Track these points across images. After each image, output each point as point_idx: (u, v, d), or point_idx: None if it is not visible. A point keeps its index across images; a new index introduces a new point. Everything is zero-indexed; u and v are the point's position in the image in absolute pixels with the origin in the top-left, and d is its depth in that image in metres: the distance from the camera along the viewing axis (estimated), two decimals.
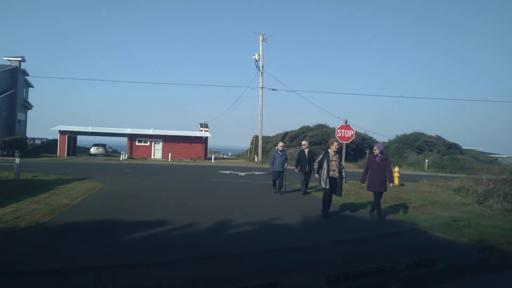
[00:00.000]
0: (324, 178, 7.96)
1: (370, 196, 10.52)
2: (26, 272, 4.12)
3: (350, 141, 17.26)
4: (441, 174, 25.95)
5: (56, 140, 35.17)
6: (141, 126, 53.34)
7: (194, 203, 9.68)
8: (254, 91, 42.36)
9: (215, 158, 36.90)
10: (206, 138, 37.92)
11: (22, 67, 37.75)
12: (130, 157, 34.05)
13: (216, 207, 9.20)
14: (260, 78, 34.12)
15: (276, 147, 12.38)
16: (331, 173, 7.99)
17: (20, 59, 37.10)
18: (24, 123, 40.50)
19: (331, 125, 37.57)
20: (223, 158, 42.26)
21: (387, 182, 8.19)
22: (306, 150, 12.15)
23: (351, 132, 16.18)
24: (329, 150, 8.23)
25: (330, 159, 8.07)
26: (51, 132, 36.47)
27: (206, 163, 31.89)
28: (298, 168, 12.15)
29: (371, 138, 37.89)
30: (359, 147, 35.49)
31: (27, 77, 39.65)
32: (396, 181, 14.07)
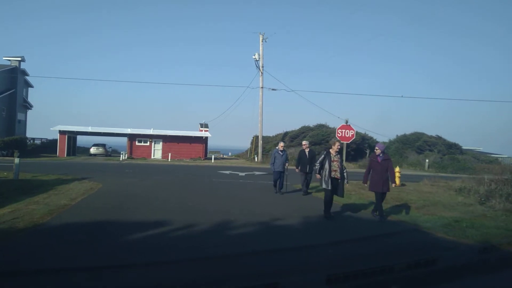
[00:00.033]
0: (326, 179, 7.88)
1: (371, 196, 10.47)
2: (22, 272, 4.08)
3: (350, 141, 17.20)
4: (442, 174, 25.88)
5: (56, 140, 35.11)
6: (141, 126, 53.36)
7: (194, 203, 9.63)
8: (254, 91, 42.30)
9: (215, 158, 36.85)
10: (206, 138, 37.87)
11: (22, 67, 37.72)
12: (130, 157, 34.00)
13: (216, 207, 9.16)
14: (260, 78, 34.08)
15: (277, 147, 12.31)
16: (332, 173, 7.91)
17: (20, 59, 37.07)
18: (24, 123, 40.46)
19: (331, 125, 37.57)
20: (223, 158, 42.20)
21: (390, 183, 8.11)
22: (307, 150, 12.09)
23: (351, 132, 16.13)
24: (330, 150, 8.15)
25: (332, 159, 7.99)
26: (51, 132, 36.48)
27: (206, 163, 31.84)
28: (299, 168, 12.08)
29: (371, 138, 37.84)
30: (359, 147, 35.45)
31: (27, 77, 39.59)
32: (397, 181, 14.00)
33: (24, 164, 16.31)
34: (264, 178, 17.73)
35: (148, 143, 35.93)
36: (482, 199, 10.20)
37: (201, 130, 39.26)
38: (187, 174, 19.17)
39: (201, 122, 40.33)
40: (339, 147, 8.16)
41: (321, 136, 34.71)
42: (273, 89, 35.29)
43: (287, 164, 12.07)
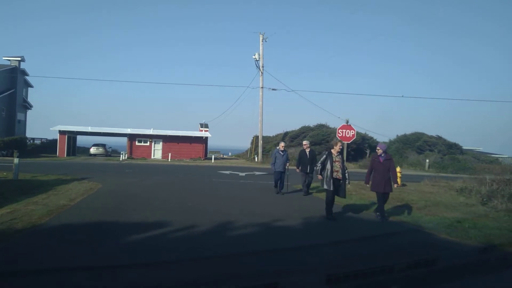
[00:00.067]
0: (328, 180, 7.81)
1: (372, 196, 10.41)
2: (20, 273, 4.04)
3: (351, 141, 17.16)
4: (442, 174, 25.84)
5: (56, 140, 35.07)
6: (141, 126, 53.36)
7: (194, 203, 9.60)
8: (254, 91, 42.23)
9: (215, 158, 36.80)
10: (206, 138, 37.83)
11: (21, 67, 37.66)
12: (130, 157, 33.95)
13: (216, 207, 9.13)
14: (260, 78, 34.03)
15: (278, 147, 12.24)
16: (334, 174, 7.84)
17: (19, 59, 37.00)
18: (23, 123, 40.39)
19: (331, 125, 37.53)
20: (223, 158, 42.16)
21: (392, 183, 8.04)
22: (307, 150, 12.02)
23: (352, 132, 16.08)
24: (332, 150, 8.08)
25: (334, 159, 7.92)
26: (51, 132, 36.46)
27: (206, 163, 31.79)
28: (299, 168, 12.02)
29: (371, 138, 37.78)
30: (359, 147, 35.41)
31: (26, 77, 39.54)
32: (399, 181, 13.95)
33: (23, 164, 16.25)
34: (264, 178, 17.67)
35: (148, 143, 35.88)
36: (484, 200, 10.14)
37: (201, 130, 39.21)
38: (187, 174, 19.13)
39: (201, 122, 40.33)
40: (341, 147, 8.09)
41: (321, 136, 34.66)
42: (273, 89, 35.29)
43: (287, 164, 12.00)
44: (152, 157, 35.50)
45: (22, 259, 4.63)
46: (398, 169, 14.59)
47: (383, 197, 8.00)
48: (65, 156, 33.62)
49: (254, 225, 7.00)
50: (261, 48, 33.79)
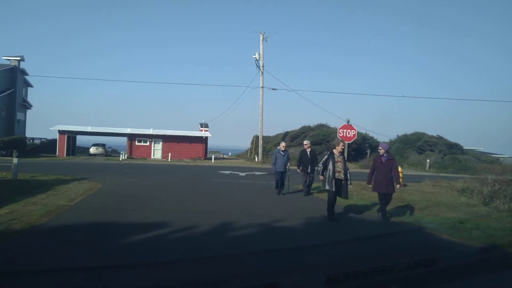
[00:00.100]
0: (329, 180, 7.73)
1: (373, 197, 10.34)
2: (15, 273, 4.00)
3: (351, 141, 17.09)
4: (443, 174, 25.76)
5: (56, 140, 35.00)
6: (141, 126, 53.23)
7: (194, 203, 9.56)
8: (254, 91, 42.11)
9: (215, 158, 36.74)
10: (206, 138, 37.77)
11: (21, 66, 37.58)
12: (129, 157, 33.89)
13: (216, 207, 9.11)
14: (261, 78, 33.96)
15: (278, 147, 12.16)
16: (336, 174, 7.77)
17: (19, 58, 36.92)
18: (23, 123, 40.32)
19: (331, 125, 37.48)
20: (223, 158, 42.11)
21: (394, 183, 7.94)
22: (308, 150, 11.95)
23: (353, 132, 16.03)
24: (334, 150, 8.01)
25: (336, 160, 7.85)
26: (51, 132, 36.38)
27: (206, 163, 31.73)
28: (300, 168, 11.95)
29: (372, 138, 37.71)
30: (360, 147, 35.33)
31: (26, 77, 39.46)
32: (400, 181, 13.88)
33: (23, 164, 16.19)
34: (264, 178, 17.62)
35: (148, 143, 35.82)
36: (486, 200, 10.07)
37: (201, 130, 39.15)
38: (187, 174, 19.08)
39: (201, 122, 40.27)
40: (343, 147, 8.01)
41: (321, 136, 34.61)
42: (273, 89, 35.21)
43: (288, 164, 11.93)
44: (152, 157, 35.44)
45: (20, 260, 4.59)
46: (399, 169, 14.53)
47: (385, 197, 7.91)
48: (65, 156, 33.55)
49: (254, 225, 6.96)
50: (261, 47, 33.73)
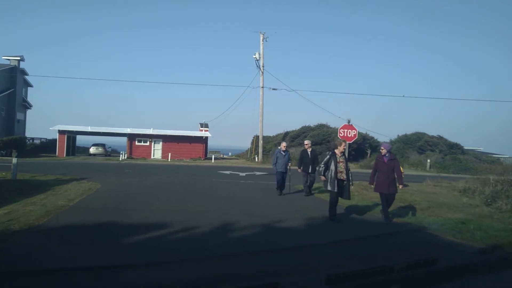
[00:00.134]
0: (332, 181, 7.63)
1: (374, 197, 10.29)
2: (12, 273, 3.96)
3: (352, 141, 17.02)
4: (444, 174, 25.69)
5: (55, 140, 34.93)
6: (140, 125, 53.22)
7: (194, 203, 9.51)
8: (254, 90, 42.05)
9: (215, 158, 36.68)
10: (206, 138, 37.71)
11: (21, 66, 37.52)
12: (129, 157, 33.83)
13: (216, 207, 9.07)
14: (261, 78, 33.89)
15: (279, 147, 12.07)
16: (338, 174, 7.68)
17: (19, 58, 36.85)
18: (23, 123, 40.25)
19: (332, 125, 37.45)
20: (223, 158, 42.04)
21: (396, 183, 7.85)
22: (309, 150, 11.87)
23: (354, 132, 15.96)
24: (336, 150, 7.92)
25: (338, 160, 7.77)
26: (50, 131, 36.31)
27: (206, 163, 31.67)
28: (301, 168, 11.87)
29: (372, 138, 37.67)
30: (360, 147, 35.28)
31: (26, 77, 39.39)
32: None
33: (23, 164, 16.14)
34: (265, 179, 17.56)
35: (148, 143, 35.75)
36: (488, 200, 10.00)
37: (201, 130, 39.09)
38: (187, 174, 19.02)
39: (201, 122, 40.21)
40: (345, 147, 7.93)
41: (322, 136, 34.55)
42: (273, 89, 35.11)
43: (289, 164, 11.85)
44: (152, 157, 35.37)
45: (19, 260, 4.56)
46: (401, 169, 14.46)
47: (387, 198, 7.81)
48: (65, 156, 33.49)
49: (255, 226, 6.93)
50: (261, 47, 33.67)
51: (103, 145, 37.16)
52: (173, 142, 35.69)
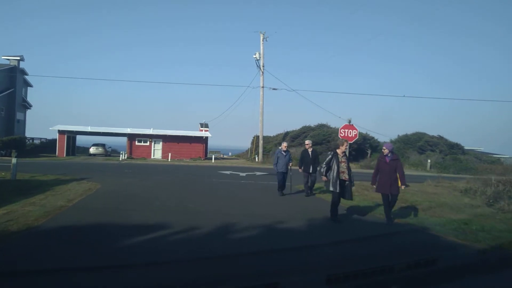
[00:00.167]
0: (334, 181, 7.55)
1: (375, 197, 10.25)
2: (7, 274, 3.91)
3: (353, 141, 16.96)
4: (444, 174, 25.58)
5: (55, 140, 34.90)
6: (141, 125, 53.19)
7: (194, 203, 9.47)
8: (254, 90, 42.01)
9: (215, 158, 36.63)
10: (206, 138, 37.66)
11: (21, 66, 37.48)
12: (129, 157, 33.78)
13: (216, 208, 9.03)
14: (261, 78, 33.83)
15: (280, 147, 11.99)
16: (340, 175, 7.61)
17: (19, 58, 36.81)
18: (23, 123, 40.20)
19: (332, 125, 37.43)
20: (223, 158, 41.99)
21: (399, 184, 7.76)
22: (310, 150, 11.81)
23: (354, 132, 15.89)
24: (337, 150, 7.84)
25: (340, 160, 7.70)
26: (50, 131, 36.28)
27: (206, 163, 31.61)
28: (302, 168, 11.81)
29: (372, 138, 37.63)
30: (360, 147, 35.23)
31: (26, 77, 39.35)
32: None
33: (22, 164, 16.09)
34: (265, 179, 17.51)
35: (148, 143, 35.71)
36: (490, 201, 9.94)
37: (201, 130, 39.05)
38: (187, 174, 18.98)
39: (201, 122, 40.19)
40: (347, 147, 7.86)
41: (322, 136, 34.51)
42: (274, 89, 35.07)
43: (290, 164, 11.78)
44: (152, 157, 35.33)
45: (14, 260, 4.53)
46: None
47: (388, 198, 7.74)
48: (65, 156, 33.45)
49: (255, 226, 6.89)
50: (261, 47, 33.62)
51: (103, 145, 37.11)
52: (173, 142, 35.65)
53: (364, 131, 36.52)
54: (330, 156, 7.73)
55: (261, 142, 34.70)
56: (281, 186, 11.51)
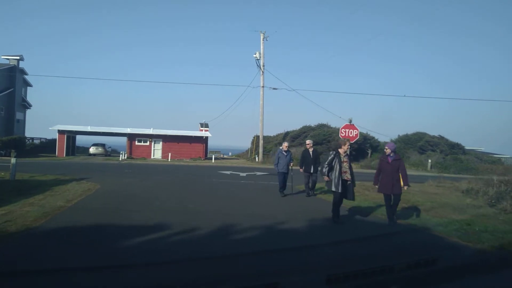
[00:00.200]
0: (336, 181, 7.46)
1: (376, 198, 10.19)
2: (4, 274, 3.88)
3: (354, 141, 16.91)
4: (445, 174, 25.55)
5: (55, 139, 34.85)
6: (141, 125, 53.21)
7: (194, 204, 9.43)
8: (254, 90, 42.05)
9: (215, 158, 36.59)
10: (206, 138, 37.62)
11: (20, 66, 37.46)
12: (129, 157, 33.73)
13: (216, 208, 9.00)
14: (261, 77, 33.78)
15: (281, 147, 11.91)
16: (342, 175, 7.54)
17: (18, 57, 36.79)
18: (22, 123, 40.16)
19: (332, 125, 37.40)
20: (223, 158, 41.94)
21: (401, 184, 7.65)
22: (311, 150, 11.74)
23: (355, 131, 15.85)
24: (339, 150, 7.75)
25: (342, 160, 7.62)
26: (50, 131, 36.28)
27: (206, 163, 31.56)
28: (303, 168, 11.74)
29: (373, 138, 37.58)
30: (360, 147, 35.17)
31: (25, 76, 39.32)
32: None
33: (22, 164, 16.04)
34: (265, 179, 17.45)
35: (148, 143, 35.66)
36: (492, 201, 9.87)
37: (201, 130, 39.00)
38: (187, 174, 18.93)
39: (201, 122, 40.14)
40: (349, 147, 7.77)
41: (322, 136, 34.46)
42: (274, 88, 35.00)
43: (291, 164, 11.71)
44: (152, 157, 35.27)
45: (12, 260, 4.49)
46: None
47: (390, 199, 7.66)
48: (64, 156, 33.40)
49: (255, 226, 6.86)
50: (261, 46, 33.57)
51: (103, 145, 37.07)
52: (173, 142, 35.61)
53: (364, 131, 36.47)
54: (332, 156, 7.63)
55: (261, 142, 34.65)
56: (283, 186, 11.44)
